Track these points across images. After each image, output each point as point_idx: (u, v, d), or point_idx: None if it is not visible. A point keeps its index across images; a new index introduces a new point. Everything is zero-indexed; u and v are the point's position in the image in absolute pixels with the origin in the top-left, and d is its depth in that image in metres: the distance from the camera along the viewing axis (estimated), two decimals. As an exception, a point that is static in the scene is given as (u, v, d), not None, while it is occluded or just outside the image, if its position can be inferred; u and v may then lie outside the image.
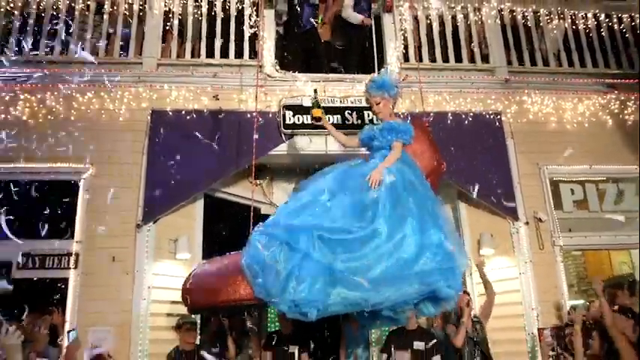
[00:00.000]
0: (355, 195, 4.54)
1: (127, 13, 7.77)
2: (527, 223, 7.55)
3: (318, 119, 5.33)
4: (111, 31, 7.76)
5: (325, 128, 6.01)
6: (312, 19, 8.08)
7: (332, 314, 4.29)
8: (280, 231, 4.46)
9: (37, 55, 7.46)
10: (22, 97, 7.21)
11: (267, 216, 7.45)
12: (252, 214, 6.42)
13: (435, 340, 6.13)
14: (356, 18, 8.15)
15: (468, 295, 6.56)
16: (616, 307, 5.95)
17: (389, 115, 5.21)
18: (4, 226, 5.95)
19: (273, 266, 4.26)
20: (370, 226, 4.30)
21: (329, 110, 7.52)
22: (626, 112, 8.21)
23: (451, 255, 4.29)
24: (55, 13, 7.66)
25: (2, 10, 7.63)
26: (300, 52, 8.15)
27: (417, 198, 4.54)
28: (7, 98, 7.20)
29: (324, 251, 4.20)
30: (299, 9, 8.22)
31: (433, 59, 8.15)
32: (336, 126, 7.36)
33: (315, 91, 5.44)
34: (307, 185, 4.95)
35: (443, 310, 5.01)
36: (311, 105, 5.25)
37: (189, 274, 5.23)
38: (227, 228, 7.72)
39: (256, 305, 5.03)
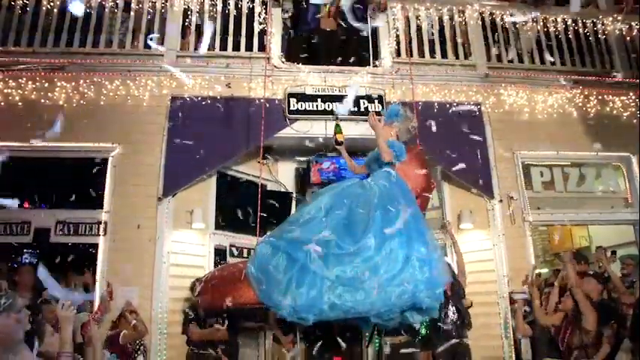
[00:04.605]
0: (348, 212, 4.42)
1: (151, 11, 7.76)
2: (501, 201, 7.60)
3: (341, 143, 5.27)
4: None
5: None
6: (316, 16, 8.08)
7: (327, 319, 4.22)
8: (283, 242, 4.37)
9: (71, 47, 7.47)
10: (58, 84, 7.21)
11: (272, 192, 7.56)
12: (259, 189, 6.57)
13: None
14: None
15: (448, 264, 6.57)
16: (590, 272, 6.15)
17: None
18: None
19: (275, 275, 4.20)
20: (361, 240, 4.18)
21: (329, 98, 7.60)
22: (588, 105, 8.23)
23: (435, 268, 4.16)
24: (88, 11, 7.58)
25: (44, 8, 7.57)
26: (304, 45, 8.13)
27: (404, 216, 4.33)
28: (45, 85, 7.20)
29: (319, 263, 4.10)
30: (305, 5, 8.23)
31: (422, 55, 8.13)
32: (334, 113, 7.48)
33: (337, 117, 5.36)
34: (310, 201, 4.81)
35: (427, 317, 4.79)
36: (334, 129, 5.17)
37: (201, 279, 5.20)
38: (236, 201, 7.77)
39: (260, 309, 4.97)
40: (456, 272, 6.63)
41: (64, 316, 3.40)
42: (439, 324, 5.96)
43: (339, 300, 4.01)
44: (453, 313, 6.13)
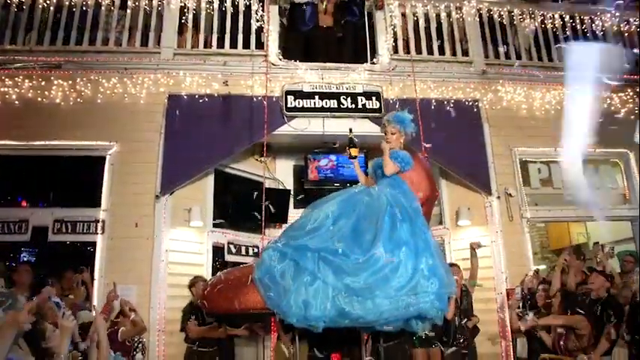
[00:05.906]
0: (356, 221, 4.45)
1: (148, 8, 7.76)
2: (499, 197, 7.61)
3: (355, 157, 5.27)
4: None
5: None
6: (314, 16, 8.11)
7: (336, 327, 4.25)
8: (291, 250, 4.38)
9: (68, 45, 7.46)
10: (55, 82, 7.20)
11: (271, 189, 7.58)
12: (263, 188, 6.70)
13: None
14: None
15: (459, 267, 6.41)
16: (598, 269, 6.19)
17: (397, 148, 4.89)
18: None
19: (283, 282, 4.23)
20: (370, 250, 4.23)
21: (326, 95, 7.62)
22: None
23: (442, 279, 4.21)
24: (84, 8, 7.62)
25: (39, 6, 7.56)
26: (302, 44, 8.14)
27: (411, 226, 4.41)
28: (42, 84, 7.19)
29: (327, 272, 4.17)
30: (303, 6, 8.28)
31: (419, 52, 8.13)
32: (333, 109, 7.55)
33: (350, 130, 5.38)
34: (316, 207, 4.76)
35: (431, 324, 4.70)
36: (348, 144, 5.17)
37: (207, 283, 5.21)
38: (234, 199, 7.78)
39: (267, 314, 4.98)
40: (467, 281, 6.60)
41: (65, 326, 3.38)
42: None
43: (348, 309, 4.08)
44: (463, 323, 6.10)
